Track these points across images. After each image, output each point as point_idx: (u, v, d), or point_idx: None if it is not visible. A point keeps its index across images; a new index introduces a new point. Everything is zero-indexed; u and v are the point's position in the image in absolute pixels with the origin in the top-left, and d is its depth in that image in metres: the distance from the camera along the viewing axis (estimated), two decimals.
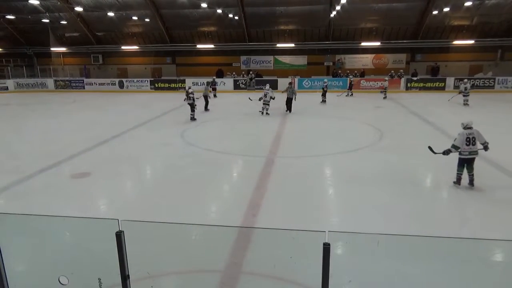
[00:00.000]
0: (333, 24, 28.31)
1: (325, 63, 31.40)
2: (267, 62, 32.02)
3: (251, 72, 29.68)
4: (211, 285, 5.19)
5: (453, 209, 7.66)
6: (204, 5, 24.51)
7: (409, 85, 26.70)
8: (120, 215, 3.07)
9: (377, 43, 28.97)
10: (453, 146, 8.10)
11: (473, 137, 8.00)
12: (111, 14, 26.66)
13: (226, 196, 8.74)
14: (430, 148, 8.65)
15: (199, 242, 5.65)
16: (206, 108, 19.45)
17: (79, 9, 26.56)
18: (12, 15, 28.18)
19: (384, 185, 8.64)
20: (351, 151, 11.62)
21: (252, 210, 7.48)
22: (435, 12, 25.80)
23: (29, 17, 28.75)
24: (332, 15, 26.71)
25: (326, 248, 2.87)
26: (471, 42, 27.58)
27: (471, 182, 8.16)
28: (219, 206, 8.12)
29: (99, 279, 3.19)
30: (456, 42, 28.02)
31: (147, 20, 29.05)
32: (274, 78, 28.21)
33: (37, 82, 30.59)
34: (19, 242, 5.81)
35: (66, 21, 30.03)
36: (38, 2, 25.56)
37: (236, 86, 28.04)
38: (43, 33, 31.44)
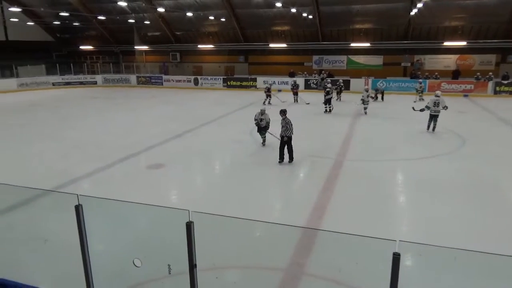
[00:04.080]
0: (413, 22, 26.79)
1: (402, 64, 29.84)
2: (340, 61, 31.30)
3: (323, 72, 29.23)
4: (273, 283, 5.20)
5: None
6: (278, 4, 24.63)
7: (498, 89, 24.30)
8: (189, 206, 3.20)
9: (463, 43, 26.81)
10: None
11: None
12: (189, 14, 27.95)
13: (292, 196, 8.71)
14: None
15: (263, 239, 5.70)
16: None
17: (161, 10, 28.20)
18: (103, 16, 30.79)
19: (464, 196, 7.99)
20: (428, 157, 10.91)
21: (317, 212, 7.37)
22: None
23: (117, 17, 31.24)
24: (412, 13, 25.27)
25: (396, 258, 2.72)
26: None
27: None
28: (284, 206, 8.11)
29: (169, 265, 3.36)
30: None
31: (222, 19, 29.98)
32: (347, 78, 27.47)
33: (121, 78, 33.14)
34: (100, 223, 6.34)
35: (149, 21, 32.12)
36: (125, 4, 27.62)
37: (307, 86, 27.80)
38: (129, 33, 33.97)
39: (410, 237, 6.36)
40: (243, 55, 34.02)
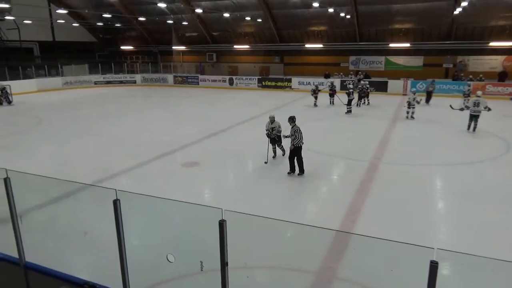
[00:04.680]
0: (456, 21, 25.72)
1: (444, 65, 28.72)
2: (377, 62, 30.57)
3: (359, 73, 28.68)
4: (304, 286, 5.16)
5: None
6: (316, 4, 24.40)
7: None
8: (222, 205, 3.23)
9: (511, 43, 25.42)
10: None
11: None
12: (226, 15, 28.27)
13: (325, 198, 8.61)
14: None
15: (295, 241, 5.67)
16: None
17: (199, 10, 28.70)
18: (143, 17, 31.73)
19: (507, 205, 7.58)
20: (469, 163, 10.45)
21: (351, 215, 7.24)
22: None
23: (157, 18, 32.10)
24: (456, 12, 24.26)
25: (434, 266, 2.62)
26: None
27: None
28: (317, 207, 8.03)
29: (201, 262, 3.41)
30: None
31: (259, 20, 30.08)
32: (384, 79, 26.80)
33: (159, 77, 34.00)
34: (136, 218, 6.53)
35: (187, 22, 32.77)
36: (165, 5, 28.33)
37: (343, 87, 27.35)
38: (167, 33, 34.83)
39: (448, 245, 6.12)
40: (278, 56, 34.00)
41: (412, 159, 10.82)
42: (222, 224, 2.96)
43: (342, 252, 5.82)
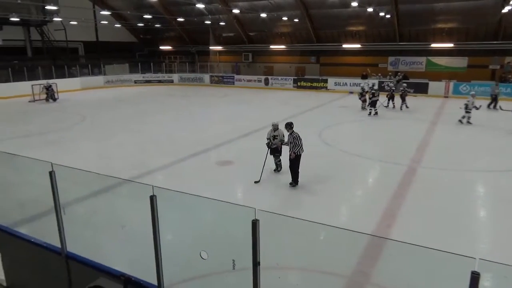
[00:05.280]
0: (504, 20, 24.40)
1: (490, 67, 27.33)
2: (418, 63, 29.56)
3: (398, 74, 27.85)
4: None
5: None
6: (354, 4, 23.95)
7: None
8: (255, 204, 3.23)
9: None
10: None
11: None
12: (263, 15, 28.33)
13: (359, 202, 8.43)
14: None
15: (328, 244, 5.59)
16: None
17: (236, 11, 28.95)
18: (182, 18, 32.41)
19: None
20: None
21: (386, 220, 7.05)
22: None
23: (195, 19, 32.69)
24: (504, 10, 23.02)
25: (475, 277, 2.49)
26: None
27: None
28: (351, 211, 7.88)
29: (233, 261, 3.43)
30: None
31: (296, 20, 29.93)
32: (425, 81, 25.88)
33: (196, 77, 34.63)
34: (171, 214, 6.68)
35: (224, 22, 33.15)
36: (203, 6, 28.81)
37: (381, 88, 26.70)
38: (205, 34, 35.40)
39: (491, 256, 5.82)
40: (314, 56, 33.65)
41: (453, 164, 10.38)
42: (255, 224, 2.96)
43: (376, 258, 5.67)
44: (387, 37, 28.96)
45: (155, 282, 3.60)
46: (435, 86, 24.75)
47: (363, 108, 19.08)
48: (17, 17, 25.54)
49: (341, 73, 30.50)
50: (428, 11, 25.59)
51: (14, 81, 25.26)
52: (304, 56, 33.63)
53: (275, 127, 9.40)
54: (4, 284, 5.30)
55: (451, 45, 27.01)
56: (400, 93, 19.09)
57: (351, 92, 25.77)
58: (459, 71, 27.78)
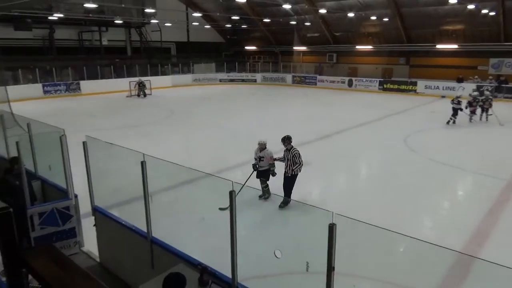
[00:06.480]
0: None
1: None
2: None
3: (501, 77, 25.11)
4: None
5: None
6: (452, 1, 22.11)
7: None
8: (331, 207, 3.14)
9: None
10: None
11: None
12: (351, 14, 27.55)
13: (447, 215, 7.77)
14: None
15: (408, 257, 5.25)
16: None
17: (323, 11, 28.56)
18: (268, 19, 32.94)
19: None
20: None
21: (477, 238, 6.40)
22: None
23: (281, 20, 32.98)
24: None
25: None
26: None
27: None
28: (437, 225, 7.30)
29: (307, 263, 3.38)
30: None
31: (385, 19, 28.60)
32: None
33: (278, 77, 34.97)
34: (249, 210, 6.82)
35: (309, 22, 32.94)
36: (289, 7, 28.92)
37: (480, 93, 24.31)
38: (289, 34, 35.52)
39: None
40: (404, 57, 31.77)
41: None
42: (332, 228, 2.88)
43: (463, 277, 5.18)
44: (489, 37, 26.23)
45: (228, 275, 3.69)
46: None
47: (471, 119, 16.40)
48: (120, 20, 28.25)
49: (432, 75, 28.41)
50: None
51: (115, 77, 28.08)
52: (392, 57, 31.93)
53: (262, 147, 7.99)
54: (98, 260, 5.89)
55: None
56: (482, 103, 16.53)
57: (443, 96, 23.88)
58: None
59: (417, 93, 26.22)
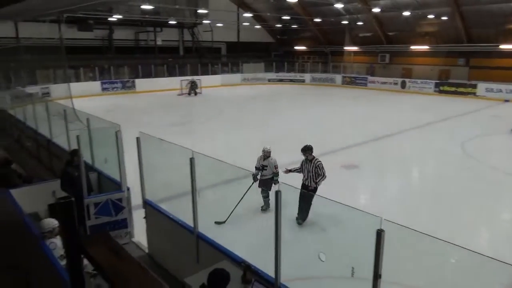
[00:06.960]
0: None
1: None
2: None
3: None
4: None
5: None
6: None
7: None
8: (379, 213, 3.04)
9: None
10: None
11: None
12: (406, 13, 26.49)
13: (507, 227, 7.24)
14: None
15: (460, 269, 4.97)
16: None
17: (376, 10, 27.72)
18: (319, 19, 32.53)
19: None
20: None
21: None
22: None
23: (332, 19, 32.44)
24: None
25: None
26: None
27: None
28: (494, 236, 6.83)
29: (352, 268, 3.30)
30: None
31: (443, 18, 27.18)
32: None
33: (327, 77, 34.44)
34: (292, 211, 6.79)
35: (362, 22, 32.09)
36: (342, 6, 28.38)
37: None
38: (340, 34, 34.83)
39: None
40: (463, 58, 29.97)
41: None
42: (380, 234, 2.79)
43: None
44: None
45: (272, 274, 3.69)
46: None
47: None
48: (174, 20, 29.25)
49: (495, 77, 26.59)
50: None
51: (168, 76, 29.15)
52: (450, 57, 30.23)
53: (266, 155, 7.47)
54: (146, 251, 6.14)
55: None
56: None
57: (507, 100, 22.31)
58: None
59: (477, 96, 24.69)
